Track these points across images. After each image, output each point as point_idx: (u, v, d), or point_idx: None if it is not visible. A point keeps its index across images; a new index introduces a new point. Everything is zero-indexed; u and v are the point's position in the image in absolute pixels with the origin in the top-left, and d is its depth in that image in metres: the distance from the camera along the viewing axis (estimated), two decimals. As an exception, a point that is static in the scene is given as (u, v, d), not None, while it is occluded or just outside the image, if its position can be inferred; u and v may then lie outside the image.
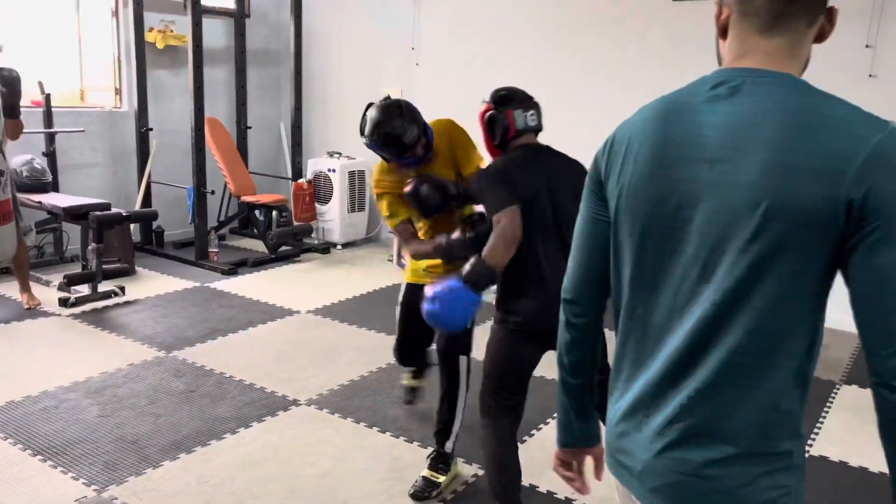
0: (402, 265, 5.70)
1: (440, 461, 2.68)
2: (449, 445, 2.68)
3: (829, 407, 3.51)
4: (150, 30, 5.86)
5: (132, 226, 5.46)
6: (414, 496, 2.61)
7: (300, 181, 6.18)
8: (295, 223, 6.10)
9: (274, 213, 6.01)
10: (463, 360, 2.67)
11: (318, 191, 6.33)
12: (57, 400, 3.25)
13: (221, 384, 3.50)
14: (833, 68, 4.48)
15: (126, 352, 3.84)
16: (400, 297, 2.93)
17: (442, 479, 2.66)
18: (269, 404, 3.30)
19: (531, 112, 2.37)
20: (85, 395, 3.31)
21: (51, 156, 5.32)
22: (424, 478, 2.66)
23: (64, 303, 4.46)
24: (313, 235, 6.31)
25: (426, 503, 2.60)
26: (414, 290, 2.76)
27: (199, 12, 5.36)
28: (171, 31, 5.97)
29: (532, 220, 2.21)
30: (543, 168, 2.31)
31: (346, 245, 6.45)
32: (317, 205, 6.32)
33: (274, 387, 3.48)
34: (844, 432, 3.25)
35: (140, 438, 2.94)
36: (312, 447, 2.94)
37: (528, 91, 2.52)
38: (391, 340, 4.08)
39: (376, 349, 4.01)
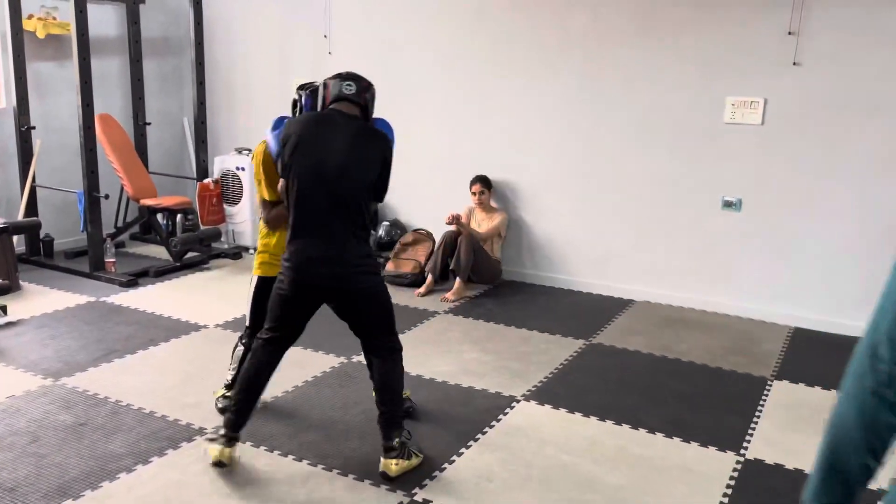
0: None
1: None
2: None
3: (762, 406, 3.56)
4: (30, 17, 5.45)
5: (14, 237, 5.06)
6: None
7: (206, 181, 5.89)
8: (202, 227, 5.82)
9: (178, 216, 5.70)
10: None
11: (227, 191, 6.05)
12: (-79, 444, 2.95)
13: (117, 414, 3.25)
14: (757, 56, 4.56)
15: (6, 382, 3.53)
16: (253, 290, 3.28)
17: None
18: (171, 435, 3.08)
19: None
20: (-45, 436, 3.01)
21: (-86, 160, 4.88)
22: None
23: (-67, 327, 4.09)
24: (222, 240, 6.04)
25: None
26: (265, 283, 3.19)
27: (83, -2, 5.00)
28: (54, 18, 5.57)
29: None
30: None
31: (259, 249, 6.19)
32: (225, 206, 6.04)
33: (177, 414, 3.26)
34: (779, 432, 3.29)
35: (19, 485, 2.68)
36: (220, 483, 2.75)
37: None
38: (309, 355, 3.96)
39: (292, 365, 3.82)
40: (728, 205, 4.80)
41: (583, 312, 4.87)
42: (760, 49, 4.56)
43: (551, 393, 3.61)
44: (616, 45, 4.96)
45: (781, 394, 3.70)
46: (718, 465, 2.98)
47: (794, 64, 4.48)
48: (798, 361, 4.11)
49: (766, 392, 3.71)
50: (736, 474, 2.92)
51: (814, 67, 4.44)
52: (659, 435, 3.22)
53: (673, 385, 3.76)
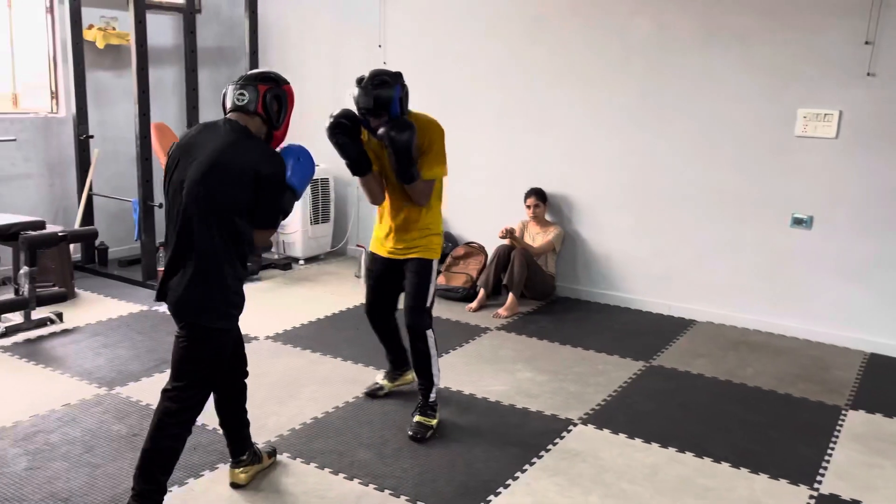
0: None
1: (428, 408, 3.29)
2: (433, 396, 3.31)
3: (836, 437, 3.42)
4: (90, 27, 5.63)
5: (71, 245, 5.22)
6: (413, 437, 3.19)
7: (258, 191, 5.98)
8: (253, 237, 5.90)
9: (230, 226, 5.80)
10: (430, 332, 3.25)
11: (278, 201, 6.13)
12: (-21, 450, 3.04)
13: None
14: (831, 66, 4.43)
15: (61, 389, 3.63)
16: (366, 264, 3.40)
17: (433, 422, 3.27)
18: (222, 449, 3.10)
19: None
20: (12, 444, 3.09)
21: (-22, 168, 5.08)
22: (417, 422, 3.25)
23: (-8, 333, 4.23)
24: (273, 250, 6.12)
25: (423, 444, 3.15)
26: (375, 258, 3.38)
27: (142, 8, 5.15)
28: (113, 28, 5.75)
29: None
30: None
31: (309, 260, 6.26)
32: (277, 217, 6.12)
33: (228, 428, 3.29)
34: (855, 466, 3.16)
35: (73, 495, 2.74)
36: (270, 499, 2.77)
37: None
38: (359, 371, 3.97)
39: (343, 381, 3.85)
40: (798, 222, 4.67)
41: (641, 332, 4.78)
42: (834, 58, 4.43)
43: (610, 417, 3.54)
44: (679, 54, 4.88)
45: (857, 424, 3.55)
46: (790, 500, 2.88)
47: (869, 74, 4.34)
48: (875, 390, 3.95)
49: (840, 422, 3.57)
50: (809, 510, 2.82)
51: (891, 78, 4.29)
52: (725, 465, 3.12)
53: (739, 412, 3.65)
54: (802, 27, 4.49)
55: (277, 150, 2.59)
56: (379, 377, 3.72)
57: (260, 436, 3.23)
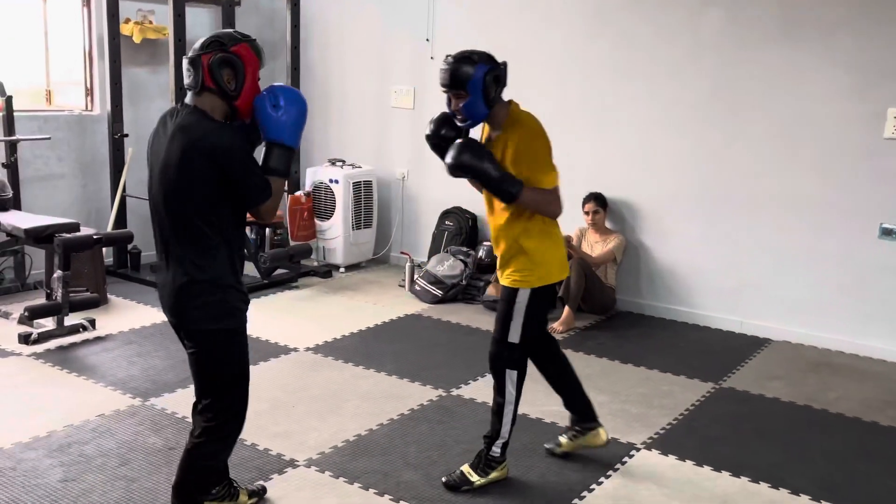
0: (414, 291, 5.62)
1: (481, 461, 3.07)
2: (495, 450, 3.07)
3: (931, 470, 3.36)
4: (126, 21, 5.84)
5: (104, 248, 5.40)
6: (446, 484, 3.06)
7: (297, 194, 6.11)
8: (291, 243, 6.04)
9: (267, 231, 5.94)
10: (511, 373, 3.01)
11: (318, 205, 6.25)
12: (14, 460, 3.17)
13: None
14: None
15: (96, 399, 3.77)
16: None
17: (476, 479, 3.05)
18: (261, 465, 3.20)
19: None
20: (47, 454, 3.23)
21: (12, 167, 5.29)
22: (462, 471, 3.09)
23: (25, 339, 4.40)
24: (312, 257, 6.24)
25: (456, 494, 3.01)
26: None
27: (181, 2, 5.32)
28: (151, 22, 5.95)
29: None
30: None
31: (350, 268, 6.37)
32: (317, 221, 6.25)
33: (267, 443, 3.38)
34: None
35: (110, 509, 2.85)
36: (312, 520, 2.83)
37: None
38: (404, 386, 4.03)
39: (387, 397, 3.91)
40: (888, 233, 4.59)
41: (711, 351, 4.74)
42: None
43: (676, 442, 3.53)
44: (755, 49, 4.85)
45: (953, 457, 3.48)
46: (877, 538, 2.84)
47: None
48: (973, 420, 3.86)
49: (933, 454, 3.50)
50: (899, 550, 2.77)
51: None
52: (804, 497, 3.09)
53: (820, 440, 3.61)
54: (894, 18, 4.43)
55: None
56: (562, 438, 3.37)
57: (300, 452, 3.31)
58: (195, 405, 2.59)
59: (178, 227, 2.41)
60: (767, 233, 4.96)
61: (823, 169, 4.74)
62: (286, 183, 2.63)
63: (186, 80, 2.41)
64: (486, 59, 2.91)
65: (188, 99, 2.44)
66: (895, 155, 4.52)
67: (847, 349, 4.76)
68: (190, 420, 3.55)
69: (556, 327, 5.00)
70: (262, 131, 2.51)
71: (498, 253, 3.08)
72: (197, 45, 2.42)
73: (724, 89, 4.99)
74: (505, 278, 3.03)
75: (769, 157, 4.91)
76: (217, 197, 2.40)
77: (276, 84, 2.54)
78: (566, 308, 5.07)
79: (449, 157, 2.89)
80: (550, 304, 3.11)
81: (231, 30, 2.52)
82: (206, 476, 2.62)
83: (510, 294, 3.00)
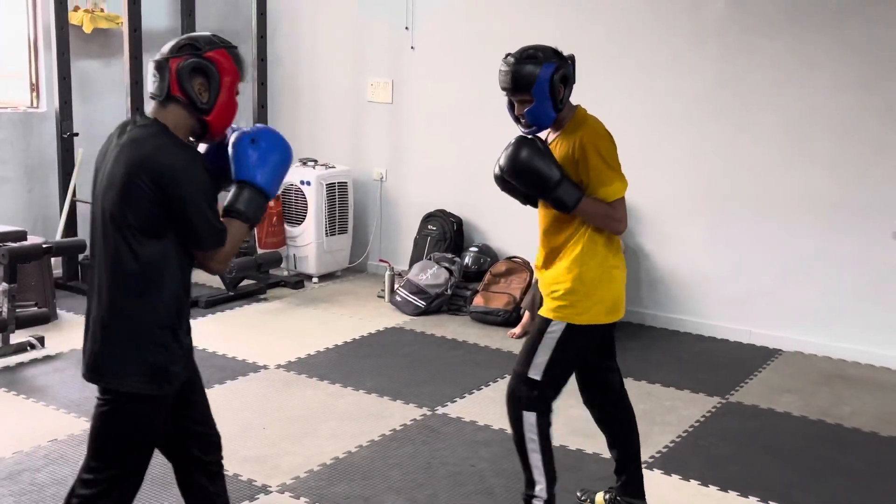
0: (395, 302, 5.69)
1: None
2: (536, 500, 2.87)
3: (952, 487, 3.47)
4: (76, 9, 5.89)
5: (53, 259, 5.43)
6: None
7: (266, 197, 6.16)
8: (259, 251, 6.09)
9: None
10: (526, 415, 2.84)
11: (289, 209, 6.32)
12: (-42, 490, 3.22)
13: (166, 463, 3.44)
14: None
15: (47, 423, 3.81)
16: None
17: None
18: (231, 492, 3.23)
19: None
20: (-6, 483, 3.28)
21: (-51, 171, 5.32)
22: None
23: (-34, 359, 4.44)
24: (282, 266, 6.29)
25: None
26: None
27: (137, -13, 5.39)
28: (102, 10, 6.00)
29: None
30: None
31: (323, 277, 6.43)
32: (287, 227, 6.31)
33: (237, 468, 3.44)
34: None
35: (65, 541, 2.90)
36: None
37: None
38: (385, 405, 4.10)
39: (367, 416, 3.98)
40: (905, 234, 4.73)
41: (717, 363, 4.85)
42: None
43: (680, 461, 3.62)
44: (762, 36, 4.97)
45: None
46: (895, 559, 2.94)
47: None
48: None
49: (955, 470, 3.62)
50: (918, 571, 2.87)
51: None
52: (817, 518, 3.20)
53: (834, 457, 3.71)
54: (909, 3, 4.57)
55: (230, 138, 2.36)
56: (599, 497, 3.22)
57: (274, 477, 3.37)
58: (81, 469, 2.37)
59: (115, 263, 2.21)
60: (777, 235, 5.08)
61: (836, 165, 4.87)
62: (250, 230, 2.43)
63: (151, 88, 2.26)
64: (551, 55, 2.81)
65: (149, 110, 2.29)
66: (912, 150, 4.66)
67: (863, 360, 4.89)
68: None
69: (516, 331, 5.17)
70: (233, 168, 2.33)
71: (541, 273, 3.00)
72: (167, 47, 2.27)
73: (729, 80, 5.11)
74: (544, 306, 2.91)
75: (778, 154, 5.03)
76: (159, 233, 2.20)
77: (260, 125, 2.43)
78: (526, 314, 5.18)
79: (503, 159, 2.82)
80: (588, 349, 2.95)
81: (209, 33, 2.35)
82: None
83: (543, 323, 2.87)
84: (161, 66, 2.23)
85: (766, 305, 5.17)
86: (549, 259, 2.95)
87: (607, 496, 3.15)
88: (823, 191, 4.92)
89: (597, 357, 3.03)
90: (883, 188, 4.76)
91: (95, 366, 2.27)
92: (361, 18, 6.39)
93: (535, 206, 3.00)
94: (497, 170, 2.88)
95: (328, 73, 6.65)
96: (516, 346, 5.01)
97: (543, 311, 2.90)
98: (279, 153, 2.37)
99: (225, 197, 2.37)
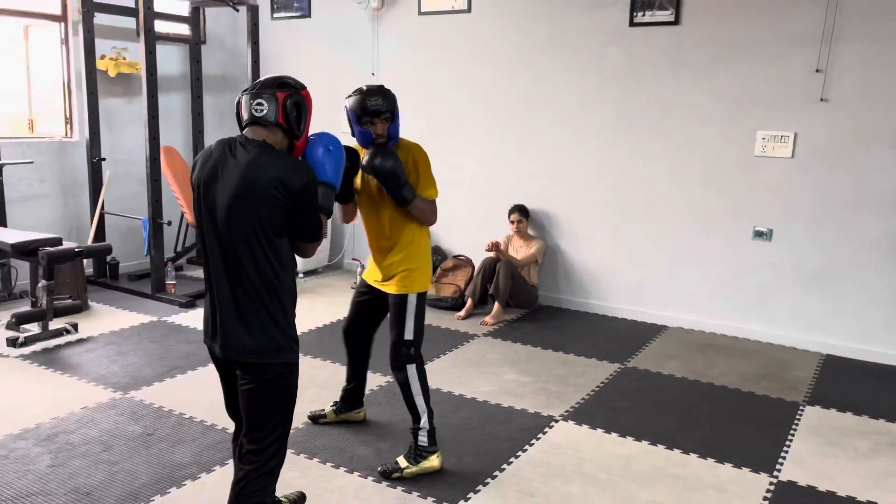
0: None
1: (414, 452, 3.02)
2: (421, 439, 3.02)
3: (794, 430, 3.55)
4: (102, 57, 5.74)
5: (85, 260, 5.29)
6: (380, 471, 3.00)
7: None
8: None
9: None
10: (410, 368, 2.99)
11: (279, 218, 6.22)
12: (6, 449, 3.11)
13: (181, 426, 3.39)
14: (787, 92, 4.61)
15: (79, 394, 3.70)
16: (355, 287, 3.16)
17: (407, 468, 2.98)
18: (225, 448, 3.20)
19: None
20: (36, 443, 3.17)
21: (-3, 189, 5.15)
22: (395, 460, 3.03)
23: (12, 343, 4.29)
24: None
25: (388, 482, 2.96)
26: (365, 286, 3.20)
27: (152, 40, 5.27)
28: (124, 58, 5.85)
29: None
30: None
31: (307, 273, 6.36)
32: (277, 233, 6.21)
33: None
34: (811, 456, 3.29)
35: (95, 489, 2.82)
36: (279, 490, 2.85)
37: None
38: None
39: (341, 383, 3.92)
40: (759, 234, 4.82)
41: (618, 337, 4.90)
42: (789, 85, 4.61)
43: (588, 414, 3.65)
44: (650, 81, 5.04)
45: (813, 419, 3.69)
46: (752, 486, 3.00)
47: (822, 100, 4.51)
48: (830, 387, 4.09)
49: (798, 417, 3.70)
50: (770, 495, 2.93)
51: (841, 103, 4.47)
52: (693, 456, 3.25)
53: (706, 408, 3.78)
54: (761, 57, 4.67)
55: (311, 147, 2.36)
56: (327, 407, 3.51)
57: (266, 434, 3.31)
58: (241, 443, 2.28)
59: (249, 258, 2.12)
60: (663, 236, 5.16)
61: (707, 181, 4.96)
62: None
63: (257, 113, 2.19)
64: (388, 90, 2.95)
65: (251, 131, 2.21)
66: (764, 169, 4.76)
67: (729, 332, 4.98)
68: (166, 407, 3.55)
69: (488, 320, 5.10)
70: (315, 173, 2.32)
71: (383, 262, 3.02)
72: (265, 80, 2.25)
73: (625, 115, 5.17)
74: (393, 285, 2.99)
75: (663, 172, 5.10)
76: (285, 230, 2.17)
77: (323, 131, 2.44)
78: (496, 303, 5.17)
79: (377, 160, 2.81)
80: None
81: (288, 76, 2.33)
82: None
83: (401, 299, 2.98)
84: (268, 95, 2.20)
85: (655, 291, 5.24)
86: (387, 248, 3.02)
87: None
88: (697, 201, 5.01)
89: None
90: (743, 200, 4.85)
91: (241, 347, 2.17)
92: (337, 66, 6.33)
93: (344, 202, 3.02)
94: (368, 167, 2.85)
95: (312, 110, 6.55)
96: (462, 326, 5.03)
97: (399, 290, 2.99)
98: (342, 156, 2.39)
99: None
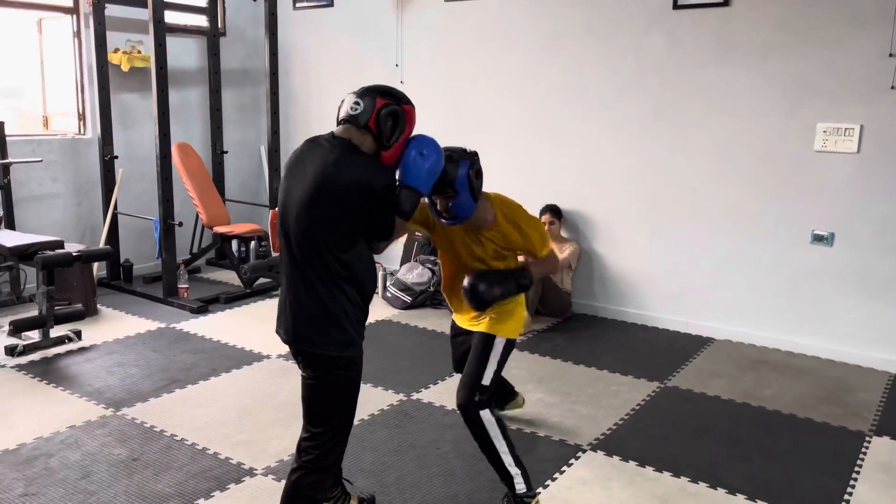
0: (386, 298, 5.35)
1: (516, 500, 2.65)
2: (519, 487, 2.64)
3: (860, 466, 3.11)
4: (116, 51, 5.55)
5: (95, 262, 5.10)
6: None
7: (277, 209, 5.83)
8: (273, 254, 5.76)
9: (252, 243, 5.67)
10: (483, 414, 2.63)
11: (298, 219, 5.97)
12: (-21, 474, 2.89)
13: (170, 450, 3.13)
14: (852, 80, 4.14)
15: (69, 411, 3.48)
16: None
17: None
18: (219, 475, 2.93)
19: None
20: (12, 467, 2.95)
21: (4, 189, 4.99)
22: None
23: (10, 351, 4.11)
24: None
25: None
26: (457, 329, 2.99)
27: (162, 32, 5.04)
28: (139, 51, 5.66)
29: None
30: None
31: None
32: (297, 234, 5.96)
33: (229, 452, 3.11)
34: (880, 497, 2.85)
35: (63, 525, 2.58)
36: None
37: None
38: (367, 392, 3.75)
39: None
40: (818, 239, 4.36)
41: (657, 351, 4.50)
42: (855, 72, 4.13)
43: (621, 442, 3.28)
44: (695, 70, 4.61)
45: (882, 452, 3.24)
46: (810, 538, 2.59)
47: (894, 88, 4.03)
48: (900, 415, 3.63)
49: (864, 449, 3.26)
50: (831, 550, 2.53)
51: (916, 91, 3.98)
52: (741, 497, 2.85)
53: (757, 437, 3.36)
54: (823, 40, 4.20)
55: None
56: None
57: (260, 461, 3.04)
58: (303, 438, 2.28)
59: (324, 254, 2.13)
60: (709, 240, 4.73)
61: (758, 180, 4.51)
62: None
63: (352, 111, 2.18)
64: (468, 154, 2.52)
65: (341, 130, 2.20)
66: (824, 166, 4.29)
67: (782, 346, 4.53)
68: (157, 427, 3.30)
69: None
70: (402, 175, 2.23)
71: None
72: (372, 85, 2.25)
73: (666, 108, 4.75)
74: (483, 325, 2.75)
75: (709, 170, 4.67)
76: (361, 229, 2.17)
77: (421, 134, 2.28)
78: (525, 312, 4.80)
79: (481, 286, 2.59)
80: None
81: (397, 89, 2.29)
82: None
83: (489, 339, 2.73)
84: (367, 97, 2.19)
85: (699, 300, 4.81)
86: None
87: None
88: (747, 202, 4.57)
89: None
90: (798, 200, 4.40)
91: (308, 339, 2.18)
92: (360, 58, 6.04)
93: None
94: (468, 298, 2.64)
95: (333, 102, 6.24)
96: (486, 336, 4.68)
97: (488, 329, 2.74)
98: (437, 161, 2.27)
99: None
